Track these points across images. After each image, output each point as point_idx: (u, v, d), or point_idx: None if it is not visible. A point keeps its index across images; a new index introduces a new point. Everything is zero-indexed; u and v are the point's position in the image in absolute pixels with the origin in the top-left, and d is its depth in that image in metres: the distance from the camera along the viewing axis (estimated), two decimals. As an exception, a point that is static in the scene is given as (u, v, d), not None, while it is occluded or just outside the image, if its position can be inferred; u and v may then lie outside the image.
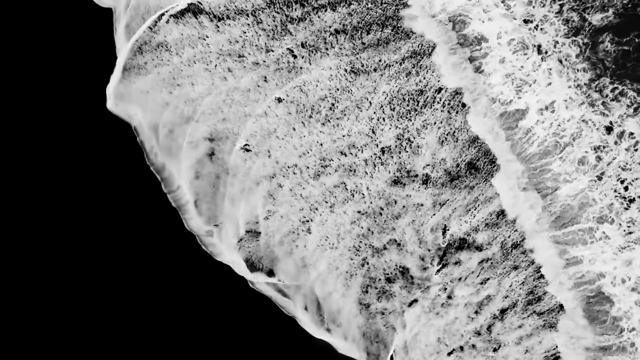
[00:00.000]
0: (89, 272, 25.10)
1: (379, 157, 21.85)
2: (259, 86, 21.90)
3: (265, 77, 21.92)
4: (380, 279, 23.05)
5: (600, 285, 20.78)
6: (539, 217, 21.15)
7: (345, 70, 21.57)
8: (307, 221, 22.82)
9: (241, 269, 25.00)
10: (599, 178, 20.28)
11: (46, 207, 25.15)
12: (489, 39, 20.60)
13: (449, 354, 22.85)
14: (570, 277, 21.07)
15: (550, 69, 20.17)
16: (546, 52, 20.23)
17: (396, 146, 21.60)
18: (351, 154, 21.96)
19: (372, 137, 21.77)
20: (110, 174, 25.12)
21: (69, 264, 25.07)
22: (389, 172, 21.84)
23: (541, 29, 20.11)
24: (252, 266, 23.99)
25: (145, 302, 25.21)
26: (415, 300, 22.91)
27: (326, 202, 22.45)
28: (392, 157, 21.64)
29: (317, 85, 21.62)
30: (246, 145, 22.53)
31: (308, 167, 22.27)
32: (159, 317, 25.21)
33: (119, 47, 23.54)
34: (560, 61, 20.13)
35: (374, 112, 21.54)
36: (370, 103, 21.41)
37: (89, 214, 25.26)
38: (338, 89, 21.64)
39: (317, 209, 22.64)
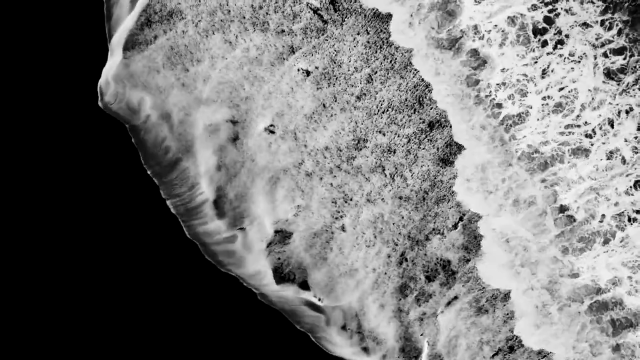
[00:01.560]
0: (82, 282, 22.53)
1: (425, 133, 19.23)
2: (284, 58, 19.38)
3: (292, 47, 19.49)
4: (419, 279, 19.87)
5: None
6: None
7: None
8: (341, 216, 19.71)
9: (258, 280, 21.54)
10: None
11: (32, 217, 22.44)
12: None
13: (493, 356, 19.44)
14: None
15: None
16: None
17: (446, 120, 19.10)
18: (391, 131, 19.27)
19: (417, 110, 19.33)
20: (99, 181, 22.37)
21: (62, 274, 22.58)
22: (437, 148, 19.14)
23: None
24: (281, 277, 20.46)
25: (139, 314, 22.62)
26: (456, 298, 19.73)
27: (362, 189, 19.46)
28: (441, 131, 19.04)
29: (350, 54, 19.27)
30: (271, 126, 19.55)
31: (340, 150, 19.44)
32: (155, 331, 22.49)
33: (114, 25, 20.77)
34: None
35: (422, 80, 19.14)
36: (417, 70, 19.01)
37: (78, 223, 22.50)
38: (377, 58, 19.31)
39: (351, 199, 19.62)
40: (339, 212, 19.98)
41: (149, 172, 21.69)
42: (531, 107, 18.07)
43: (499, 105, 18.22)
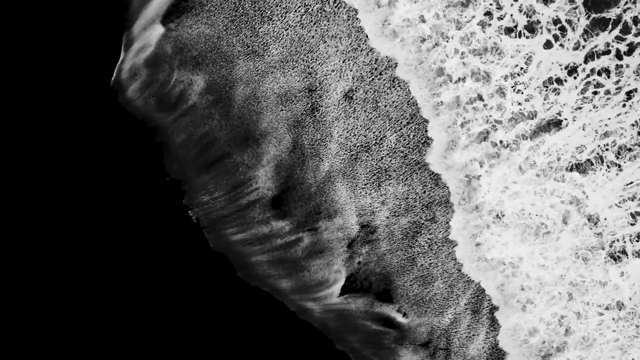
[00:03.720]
0: (84, 283, 19.94)
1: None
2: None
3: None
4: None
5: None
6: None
7: None
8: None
9: (310, 293, 18.82)
10: None
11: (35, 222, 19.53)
12: None
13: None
14: None
15: None
16: None
17: None
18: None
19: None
20: (103, 186, 19.37)
21: (63, 274, 19.97)
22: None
23: None
24: (349, 287, 17.81)
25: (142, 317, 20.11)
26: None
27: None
28: None
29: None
30: (350, 92, 17.11)
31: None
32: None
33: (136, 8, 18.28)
34: None
35: None
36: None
37: (78, 228, 19.62)
38: None
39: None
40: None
41: (172, 176, 19.07)
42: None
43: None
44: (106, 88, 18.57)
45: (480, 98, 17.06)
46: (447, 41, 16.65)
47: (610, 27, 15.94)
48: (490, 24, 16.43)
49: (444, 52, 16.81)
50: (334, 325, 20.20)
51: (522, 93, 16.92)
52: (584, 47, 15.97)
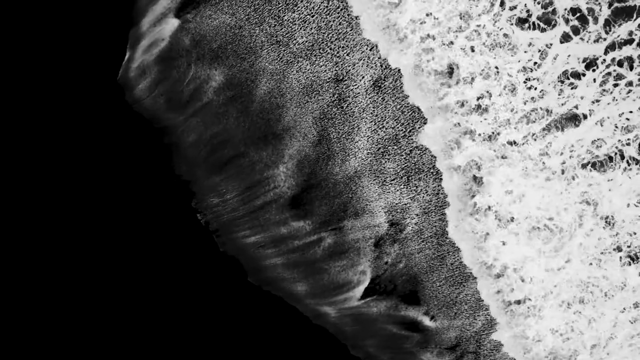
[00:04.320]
0: (88, 283, 19.10)
1: None
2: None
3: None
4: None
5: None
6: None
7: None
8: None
9: (329, 296, 18.18)
10: None
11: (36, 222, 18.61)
12: None
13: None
14: None
15: None
16: None
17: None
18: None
19: None
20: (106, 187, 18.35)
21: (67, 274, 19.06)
22: None
23: None
24: (373, 289, 17.20)
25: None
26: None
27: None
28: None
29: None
30: (379, 80, 16.31)
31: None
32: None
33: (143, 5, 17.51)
34: None
35: None
36: None
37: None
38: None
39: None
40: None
41: (184, 177, 18.36)
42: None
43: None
44: (113, 86, 17.81)
45: (490, 96, 16.62)
46: (456, 36, 16.16)
47: (634, 15, 15.53)
48: (501, 15, 15.93)
49: (450, 49, 16.29)
50: (350, 330, 19.63)
51: (536, 89, 16.59)
52: (605, 39, 15.74)
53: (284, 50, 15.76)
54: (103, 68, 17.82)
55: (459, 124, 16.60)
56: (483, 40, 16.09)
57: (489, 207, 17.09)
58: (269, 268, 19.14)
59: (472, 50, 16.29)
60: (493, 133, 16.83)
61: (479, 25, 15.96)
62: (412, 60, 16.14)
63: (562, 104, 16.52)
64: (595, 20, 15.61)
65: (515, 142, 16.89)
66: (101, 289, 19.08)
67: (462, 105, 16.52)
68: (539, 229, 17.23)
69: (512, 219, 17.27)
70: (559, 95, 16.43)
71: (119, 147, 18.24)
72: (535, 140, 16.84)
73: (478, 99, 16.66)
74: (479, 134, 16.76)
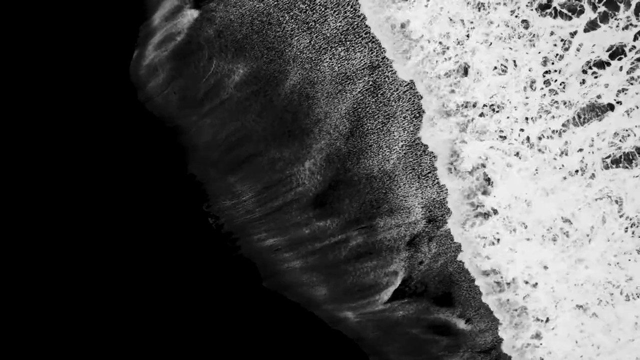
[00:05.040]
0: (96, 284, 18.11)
1: None
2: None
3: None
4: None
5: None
6: None
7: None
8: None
9: (352, 299, 17.41)
10: None
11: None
12: None
13: None
14: None
15: None
16: None
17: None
18: None
19: None
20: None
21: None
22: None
23: None
24: (402, 291, 16.37)
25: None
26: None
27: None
28: None
29: None
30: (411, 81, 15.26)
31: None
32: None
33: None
34: None
35: None
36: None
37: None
38: None
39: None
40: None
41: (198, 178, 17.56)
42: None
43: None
44: (124, 85, 17.05)
45: (504, 91, 15.92)
46: (472, 27, 15.45)
47: (668, -2, 15.02)
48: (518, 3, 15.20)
49: (463, 46, 15.60)
50: (371, 336, 18.82)
51: (556, 81, 16.02)
52: (635, 25, 15.29)
53: (316, 37, 15.00)
54: (114, 66, 17.07)
55: (468, 122, 15.90)
56: (500, 31, 15.51)
57: (497, 210, 16.30)
58: (286, 272, 18.34)
59: (489, 44, 15.69)
60: (507, 130, 16.20)
61: (495, 11, 15.27)
62: (421, 59, 15.55)
63: (585, 94, 15.97)
64: (628, 5, 15.19)
65: (530, 140, 16.33)
66: (110, 292, 18.11)
67: (474, 105, 15.85)
68: (555, 232, 16.48)
69: (524, 224, 16.58)
70: (581, 85, 15.89)
71: (130, 148, 17.43)
72: (553, 137, 16.28)
73: (492, 96, 16.07)
74: (493, 131, 16.13)
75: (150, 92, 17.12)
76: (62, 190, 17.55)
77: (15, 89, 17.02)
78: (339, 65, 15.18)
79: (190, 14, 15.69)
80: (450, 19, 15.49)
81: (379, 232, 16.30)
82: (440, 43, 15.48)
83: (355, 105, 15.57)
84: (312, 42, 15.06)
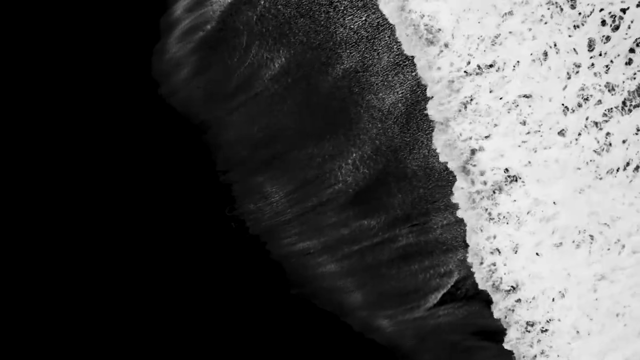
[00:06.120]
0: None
1: None
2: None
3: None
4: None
5: None
6: None
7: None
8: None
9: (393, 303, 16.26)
10: None
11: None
12: None
13: None
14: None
15: None
16: None
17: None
18: None
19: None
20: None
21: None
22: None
23: None
24: (453, 295, 15.09)
25: None
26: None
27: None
28: None
29: None
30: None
31: None
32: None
33: None
34: None
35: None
36: None
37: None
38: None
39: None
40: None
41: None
42: None
43: None
44: (145, 80, 15.96)
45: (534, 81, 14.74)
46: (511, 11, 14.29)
47: None
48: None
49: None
50: (409, 344, 17.68)
51: (600, 65, 14.70)
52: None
53: (373, 14, 13.88)
54: (134, 60, 15.99)
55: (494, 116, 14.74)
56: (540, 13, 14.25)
57: (519, 213, 15.03)
58: (317, 278, 17.22)
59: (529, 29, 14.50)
60: (538, 123, 14.91)
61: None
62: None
63: (633, 77, 14.70)
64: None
65: (564, 132, 15.07)
66: (127, 295, 16.96)
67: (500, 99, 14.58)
68: (586, 237, 15.27)
69: (553, 229, 15.36)
70: (627, 65, 14.53)
71: (152, 147, 16.33)
72: (591, 128, 15.08)
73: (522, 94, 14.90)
74: (524, 124, 14.90)
75: (173, 87, 16.04)
76: (79, 188, 16.46)
77: (32, 87, 16.04)
78: (397, 45, 14.11)
79: (221, 1, 14.64)
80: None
81: (433, 230, 15.11)
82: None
83: (414, 89, 14.42)
84: (367, 21, 13.97)
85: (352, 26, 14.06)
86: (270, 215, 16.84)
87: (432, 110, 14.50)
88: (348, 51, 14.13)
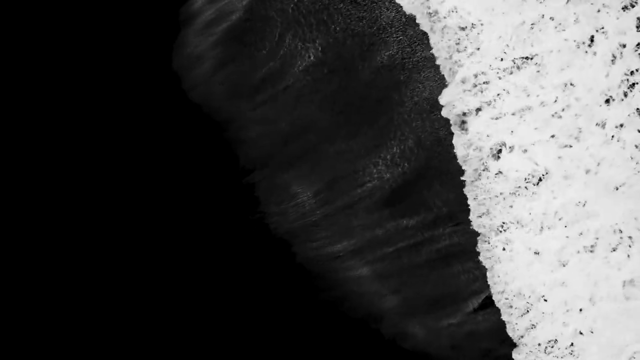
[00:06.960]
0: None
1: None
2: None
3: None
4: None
5: None
6: None
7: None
8: None
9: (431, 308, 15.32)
10: None
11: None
12: None
13: None
14: None
15: None
16: None
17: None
18: None
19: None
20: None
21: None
22: None
23: None
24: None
25: None
26: None
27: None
28: None
29: None
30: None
31: None
32: None
33: None
34: None
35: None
36: None
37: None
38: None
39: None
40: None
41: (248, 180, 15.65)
42: None
43: None
44: (167, 73, 15.18)
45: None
46: None
47: None
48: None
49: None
50: (444, 353, 16.70)
51: None
52: None
53: None
54: (154, 55, 15.23)
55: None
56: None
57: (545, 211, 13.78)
58: (348, 282, 16.32)
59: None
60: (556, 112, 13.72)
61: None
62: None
63: None
64: None
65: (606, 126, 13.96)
66: (144, 294, 16.20)
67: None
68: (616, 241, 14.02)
69: (581, 232, 14.15)
70: None
71: (173, 144, 15.57)
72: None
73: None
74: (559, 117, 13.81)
75: (194, 81, 15.25)
76: (96, 183, 15.82)
77: (52, 83, 15.53)
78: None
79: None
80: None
81: (475, 230, 14.08)
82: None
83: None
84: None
85: (398, 9, 13.04)
86: (296, 217, 16.00)
87: (460, 103, 13.48)
88: (395, 36, 13.09)
